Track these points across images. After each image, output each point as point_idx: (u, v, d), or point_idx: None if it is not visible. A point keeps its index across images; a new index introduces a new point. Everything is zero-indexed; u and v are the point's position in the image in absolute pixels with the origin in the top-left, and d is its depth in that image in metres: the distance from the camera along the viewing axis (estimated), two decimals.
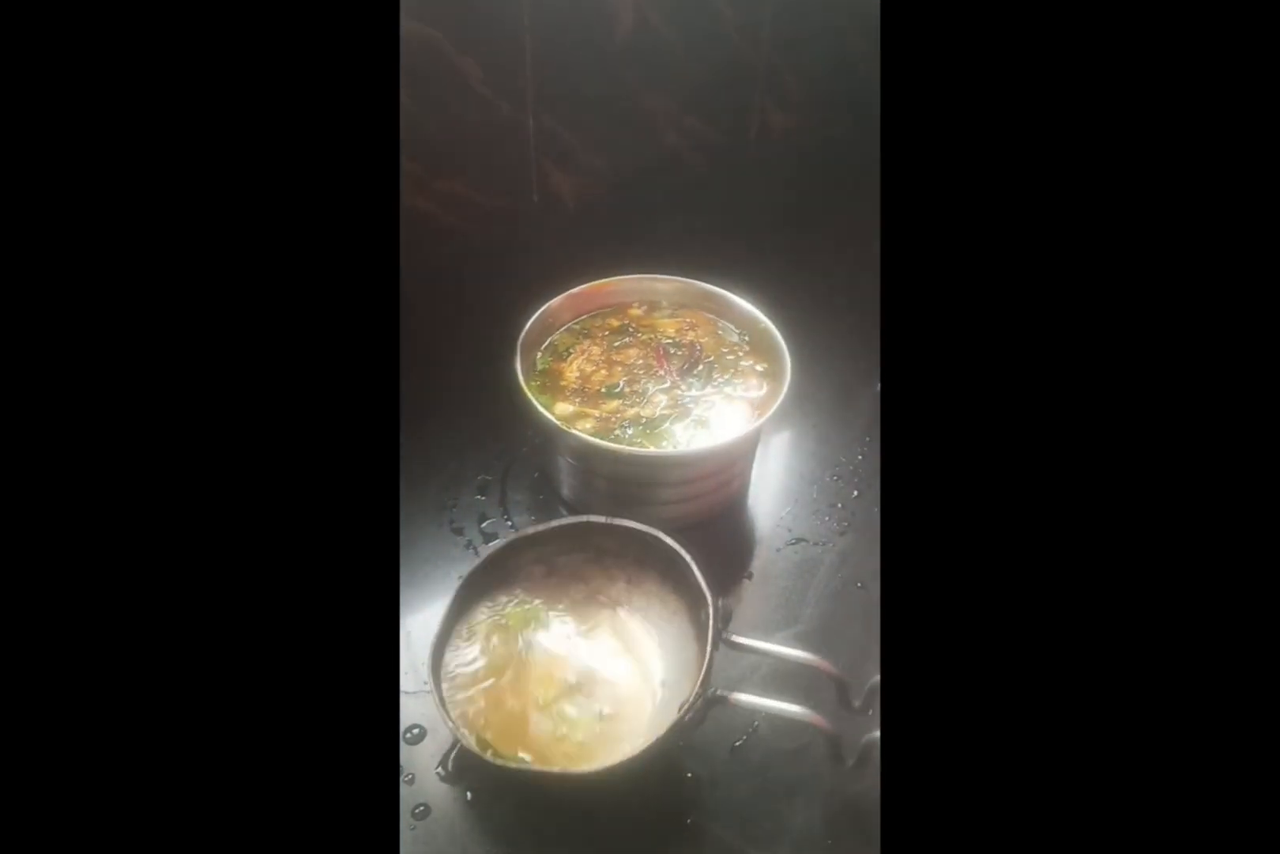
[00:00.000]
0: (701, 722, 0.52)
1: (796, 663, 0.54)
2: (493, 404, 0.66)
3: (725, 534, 0.71)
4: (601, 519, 0.59)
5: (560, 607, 0.60)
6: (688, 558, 0.57)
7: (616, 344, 0.72)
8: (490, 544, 0.66)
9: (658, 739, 0.48)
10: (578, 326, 0.74)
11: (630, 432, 0.65)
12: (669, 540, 0.58)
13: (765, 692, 0.53)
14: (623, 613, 0.60)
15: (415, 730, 0.57)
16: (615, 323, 0.74)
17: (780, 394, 0.65)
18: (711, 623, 0.53)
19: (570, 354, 0.71)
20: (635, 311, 0.75)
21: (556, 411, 0.65)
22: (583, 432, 0.63)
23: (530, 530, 0.59)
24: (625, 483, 0.67)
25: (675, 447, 0.64)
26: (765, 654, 0.55)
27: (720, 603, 0.55)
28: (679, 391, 0.68)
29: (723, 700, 0.52)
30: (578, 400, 0.67)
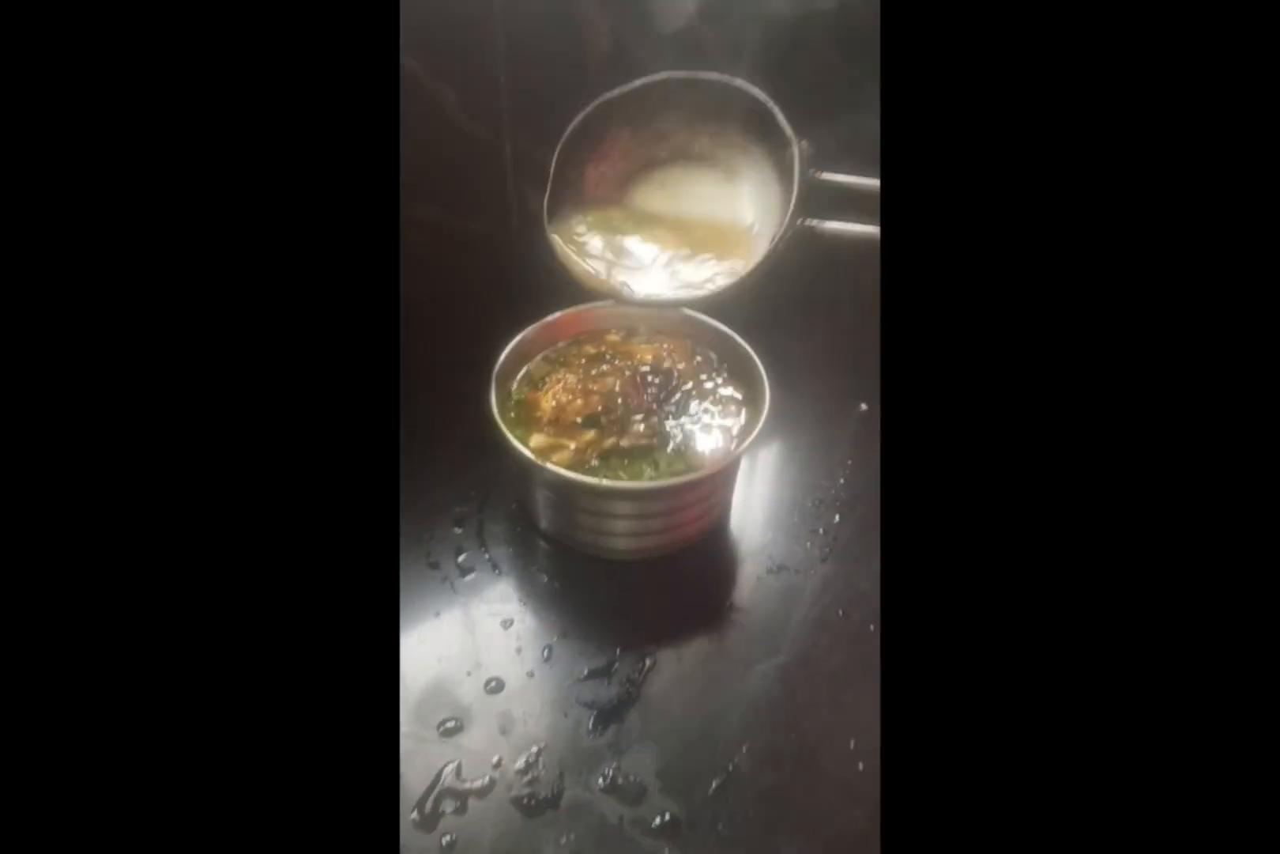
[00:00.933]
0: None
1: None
2: (469, 433, 0.66)
3: (707, 562, 0.71)
4: (682, 74, 0.63)
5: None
6: (769, 104, 0.61)
7: (593, 373, 0.71)
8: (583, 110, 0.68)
9: (757, 263, 0.61)
10: (554, 355, 0.73)
11: (609, 462, 0.64)
12: (752, 90, 0.61)
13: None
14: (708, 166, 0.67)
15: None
16: (592, 350, 0.74)
17: (759, 422, 0.65)
18: (797, 162, 0.58)
19: (546, 383, 0.70)
20: (613, 338, 0.75)
21: (532, 444, 0.65)
22: (559, 464, 0.63)
23: (613, 93, 0.64)
24: (604, 515, 0.66)
25: (654, 477, 0.63)
26: (851, 187, 0.59)
27: (804, 143, 0.59)
28: (656, 421, 0.67)
29: (811, 229, 0.58)
30: (553, 431, 0.66)
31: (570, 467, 0.63)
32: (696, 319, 0.73)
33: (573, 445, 0.65)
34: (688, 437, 0.67)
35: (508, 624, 0.65)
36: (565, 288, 0.79)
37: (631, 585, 0.69)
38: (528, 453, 0.62)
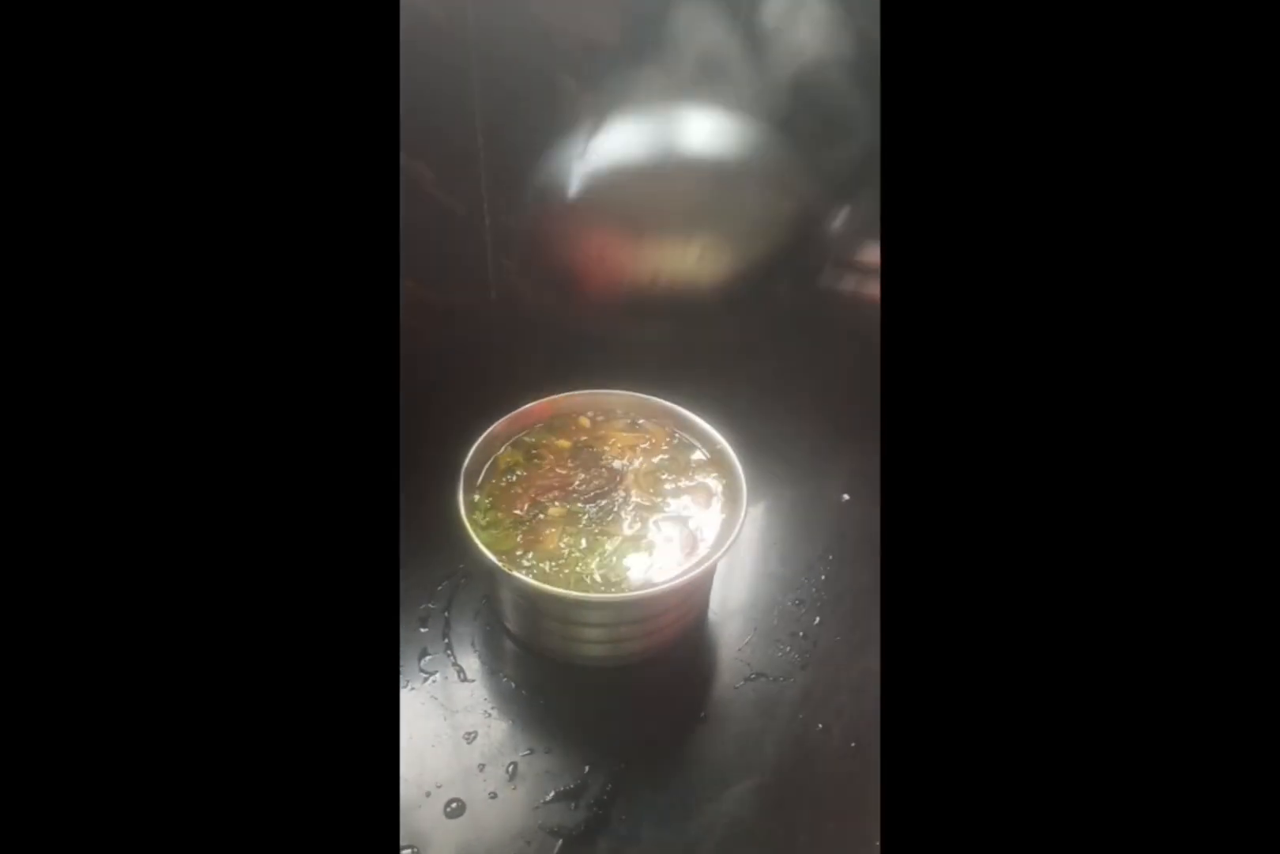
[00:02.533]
0: None
1: None
2: (436, 525, 0.63)
3: (681, 669, 0.68)
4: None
5: None
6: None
7: (566, 465, 0.68)
8: None
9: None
10: (530, 439, 0.71)
11: (582, 560, 0.62)
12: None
13: None
14: None
15: None
16: (564, 442, 0.71)
17: (738, 521, 0.62)
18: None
19: (516, 477, 0.67)
20: (584, 422, 0.72)
21: (501, 545, 0.62)
22: (531, 567, 0.60)
23: None
24: (574, 623, 0.63)
25: (628, 582, 0.60)
26: None
27: None
28: (632, 517, 0.65)
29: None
30: (524, 531, 0.64)
31: (543, 568, 0.60)
32: (674, 408, 0.71)
33: (544, 544, 0.62)
34: (664, 535, 0.64)
35: (471, 737, 0.62)
36: (546, 362, 0.77)
37: (603, 695, 0.66)
38: (494, 559, 0.59)
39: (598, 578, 0.61)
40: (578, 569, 0.61)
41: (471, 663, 0.67)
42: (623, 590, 0.60)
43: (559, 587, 0.58)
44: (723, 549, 0.61)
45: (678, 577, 0.60)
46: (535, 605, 0.63)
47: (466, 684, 0.65)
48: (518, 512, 0.65)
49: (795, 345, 0.94)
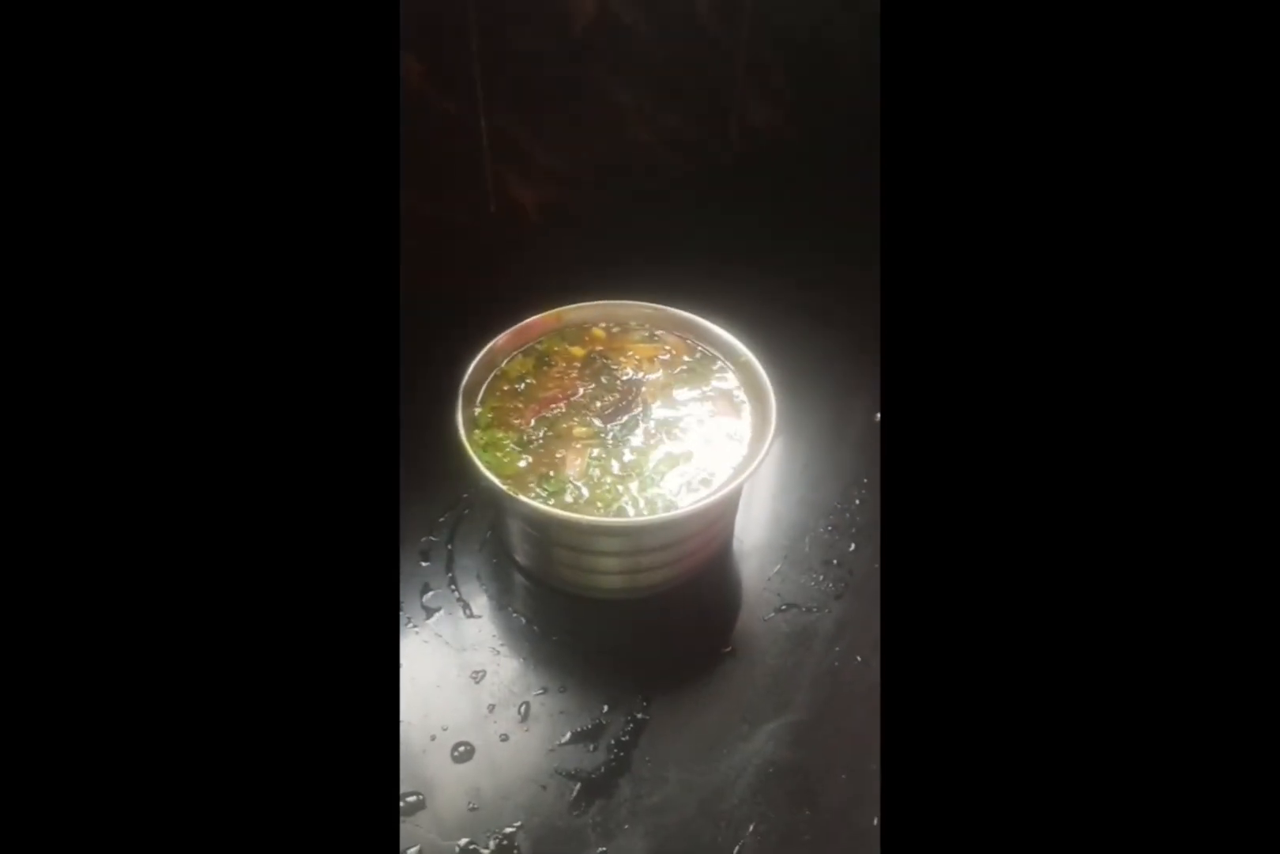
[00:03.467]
0: None
1: None
2: (437, 451, 0.57)
3: (705, 601, 0.62)
4: None
5: None
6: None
7: (577, 376, 0.62)
8: None
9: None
10: (541, 346, 0.64)
11: (598, 482, 0.56)
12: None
13: None
14: None
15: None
16: (579, 351, 0.64)
17: (767, 437, 0.56)
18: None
19: (524, 386, 0.61)
20: (599, 333, 0.66)
21: (506, 469, 0.56)
22: (540, 493, 0.54)
23: None
24: (588, 552, 0.58)
25: (647, 507, 0.55)
26: None
27: None
28: (651, 432, 0.59)
29: None
30: (533, 450, 0.58)
31: (552, 494, 0.55)
32: (694, 319, 0.64)
33: (553, 468, 0.57)
34: (686, 453, 0.58)
35: (479, 677, 0.57)
36: (548, 282, 0.70)
37: (620, 629, 0.60)
38: (499, 483, 0.53)
39: (636, 502, 0.55)
40: (605, 493, 0.55)
41: (478, 598, 0.61)
42: (646, 514, 0.54)
43: (586, 512, 0.53)
44: (750, 469, 0.55)
45: (703, 499, 0.54)
46: (544, 532, 0.57)
47: (473, 620, 0.60)
48: (518, 424, 0.58)
49: (820, 255, 0.87)
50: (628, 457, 0.57)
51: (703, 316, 0.64)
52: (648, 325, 0.66)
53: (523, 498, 0.53)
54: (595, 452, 0.58)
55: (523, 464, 0.57)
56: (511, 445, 0.58)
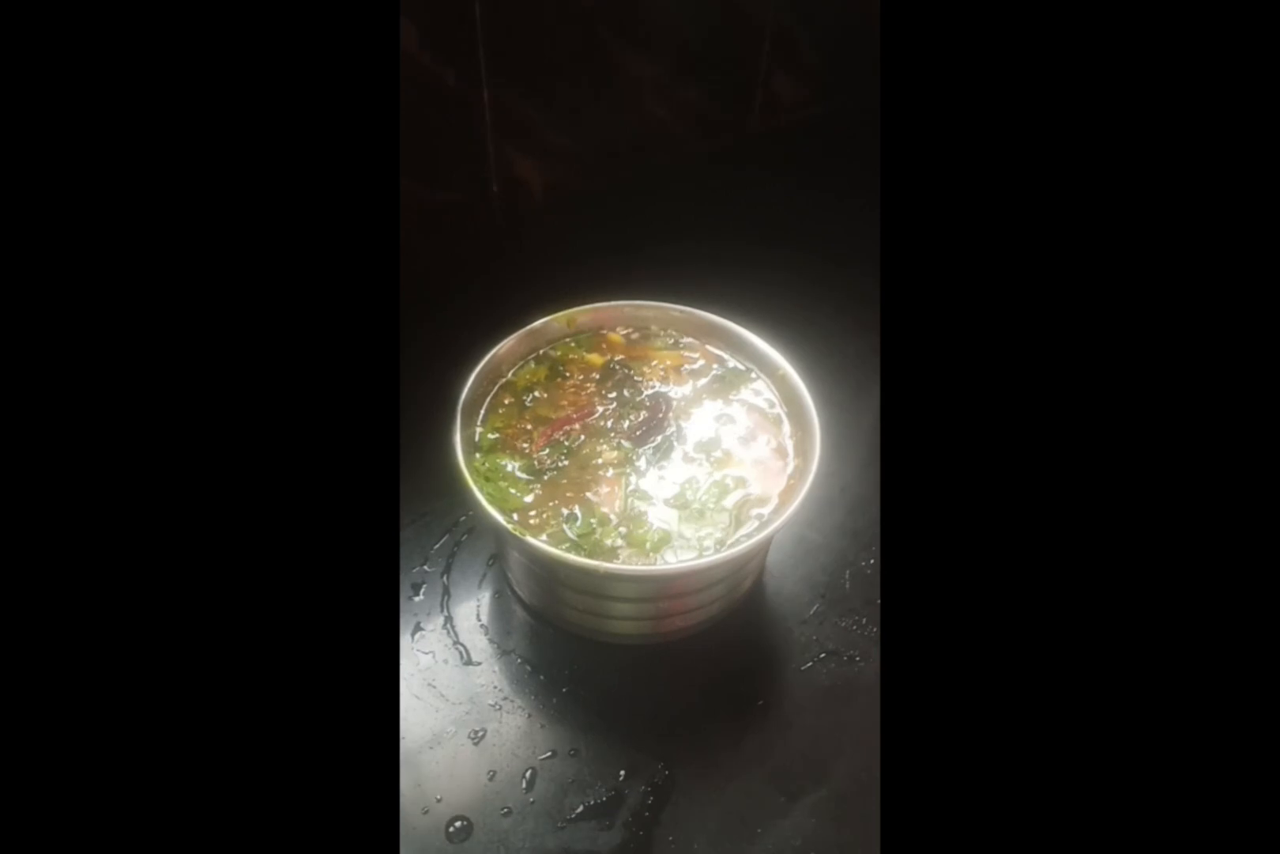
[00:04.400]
0: None
1: None
2: (431, 466, 0.49)
3: (731, 648, 0.55)
4: None
5: None
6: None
7: (597, 390, 0.55)
8: None
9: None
10: (556, 352, 0.56)
11: (636, 521, 0.48)
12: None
13: None
14: None
15: None
16: (596, 359, 0.57)
17: (811, 465, 0.49)
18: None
19: (530, 406, 0.54)
20: (617, 339, 0.58)
21: (511, 502, 0.49)
22: (566, 532, 0.47)
23: None
24: (602, 596, 0.50)
25: (673, 550, 0.47)
26: None
27: None
28: (686, 458, 0.51)
29: None
30: (544, 482, 0.50)
31: (581, 531, 0.47)
32: (725, 324, 0.56)
33: (578, 503, 0.49)
34: (738, 478, 0.50)
35: (478, 737, 0.50)
36: (556, 275, 0.63)
37: (639, 680, 0.53)
38: (502, 521, 0.46)
39: (688, 544, 0.47)
40: (645, 534, 0.48)
41: (477, 640, 0.54)
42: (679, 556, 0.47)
43: (612, 552, 0.46)
44: (796, 500, 0.47)
45: (755, 534, 0.46)
46: (554, 576, 0.50)
47: (471, 668, 0.53)
48: (526, 449, 0.51)
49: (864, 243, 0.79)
50: (666, 487, 0.50)
51: (731, 318, 0.56)
52: (671, 330, 0.58)
53: (531, 540, 0.45)
54: (631, 479, 0.50)
55: (529, 498, 0.49)
56: (519, 474, 0.50)
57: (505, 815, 0.47)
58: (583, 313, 0.57)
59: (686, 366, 0.56)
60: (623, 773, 0.49)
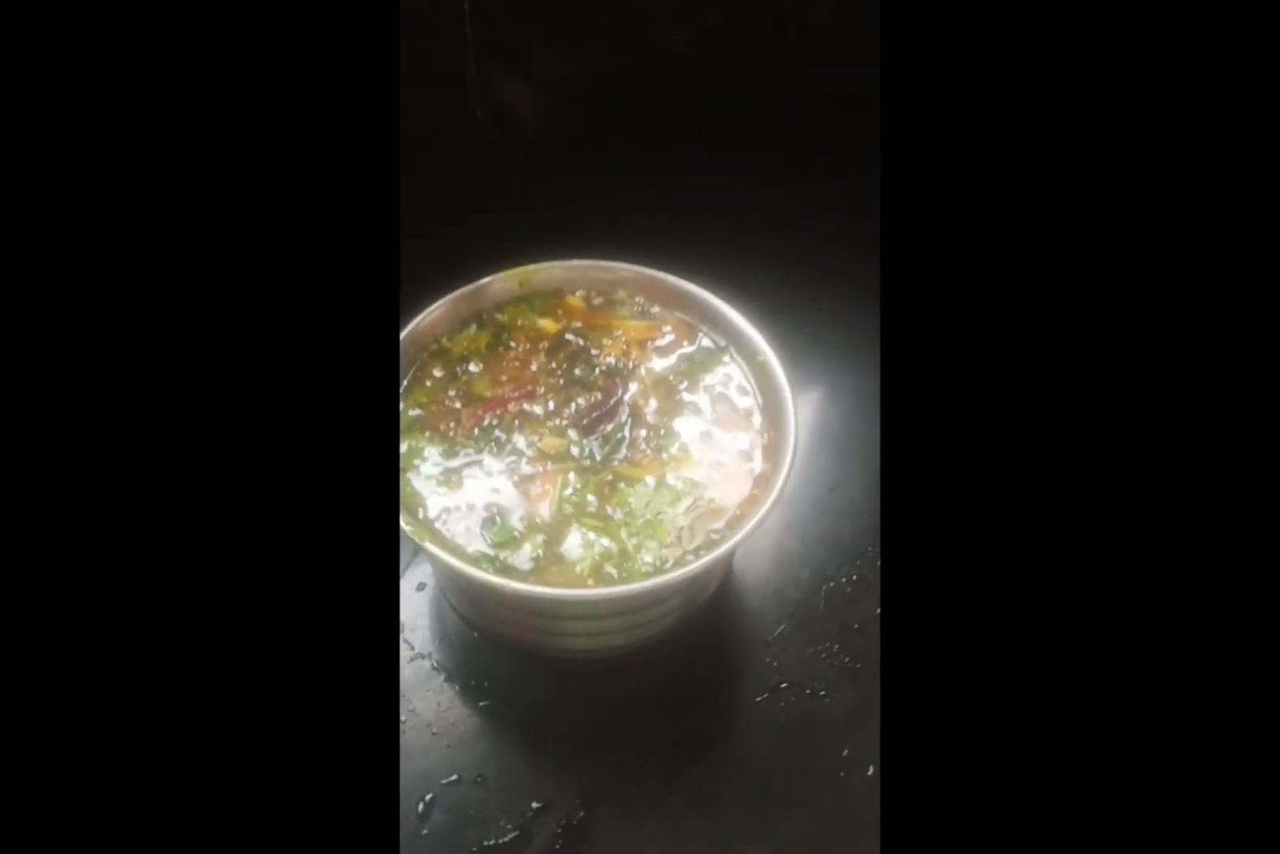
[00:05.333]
0: None
1: None
2: None
3: (680, 668, 0.48)
4: None
5: None
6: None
7: (545, 364, 0.47)
8: None
9: None
10: (502, 316, 0.49)
11: (563, 527, 0.41)
12: None
13: None
14: None
15: None
16: (550, 324, 0.49)
17: (784, 462, 0.41)
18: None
19: (463, 379, 0.46)
20: (575, 303, 0.50)
21: (418, 496, 0.42)
22: (483, 542, 0.40)
23: None
24: (524, 612, 0.44)
25: (635, 567, 0.40)
26: None
27: None
28: (637, 445, 0.44)
29: None
30: (457, 471, 0.43)
31: (499, 539, 0.41)
32: (702, 294, 0.48)
33: (496, 504, 0.42)
34: (690, 483, 0.43)
35: None
36: (544, 219, 0.54)
37: (565, 698, 0.47)
38: (406, 527, 0.39)
39: (627, 559, 0.40)
40: (582, 552, 0.40)
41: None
42: (628, 577, 0.40)
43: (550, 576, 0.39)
44: (766, 505, 0.40)
45: (703, 559, 0.39)
46: (480, 595, 0.43)
47: None
48: (450, 430, 0.44)
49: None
50: (609, 489, 0.42)
51: (715, 288, 0.48)
52: (640, 297, 0.50)
53: (442, 555, 0.38)
54: (571, 479, 0.43)
55: (443, 491, 0.42)
56: (436, 460, 0.43)
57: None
58: (539, 271, 0.49)
59: (652, 342, 0.48)
60: (534, 807, 0.43)
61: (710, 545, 0.40)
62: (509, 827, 0.42)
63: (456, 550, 0.40)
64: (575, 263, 0.49)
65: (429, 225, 0.62)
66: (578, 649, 0.47)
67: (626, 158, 0.70)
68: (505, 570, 0.39)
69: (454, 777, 0.44)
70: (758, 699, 0.46)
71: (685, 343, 0.48)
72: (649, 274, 0.49)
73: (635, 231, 0.50)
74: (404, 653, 0.47)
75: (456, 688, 0.46)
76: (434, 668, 0.47)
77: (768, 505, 0.40)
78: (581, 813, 0.42)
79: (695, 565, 0.38)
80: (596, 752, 0.45)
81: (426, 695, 0.46)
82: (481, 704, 0.46)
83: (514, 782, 0.44)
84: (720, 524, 0.41)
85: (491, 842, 0.42)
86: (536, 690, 0.47)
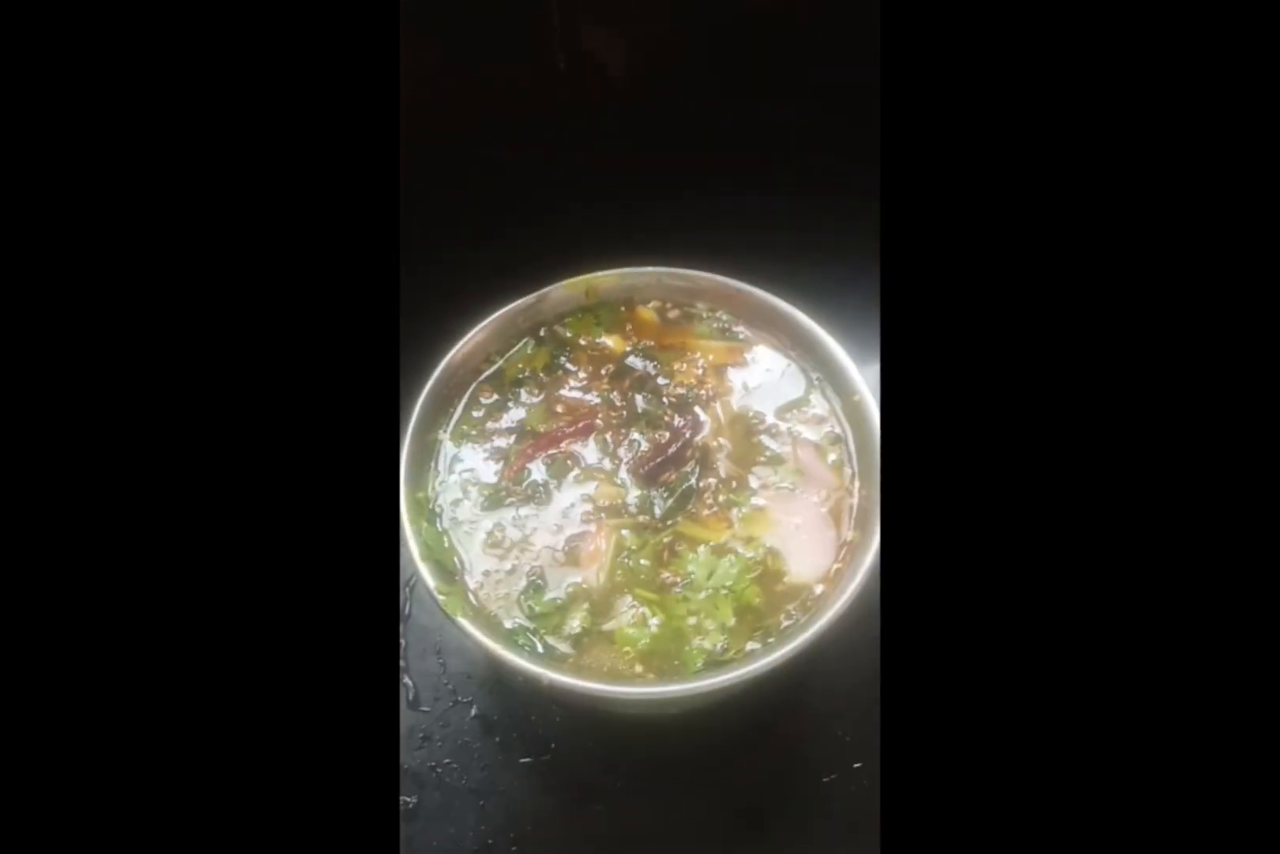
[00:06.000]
0: None
1: None
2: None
3: (737, 746, 0.43)
4: None
5: None
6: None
7: (606, 390, 0.41)
8: None
9: None
10: (565, 331, 0.43)
11: (616, 601, 0.36)
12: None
13: None
14: None
15: None
16: (617, 344, 0.43)
17: (871, 545, 0.35)
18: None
19: (516, 407, 0.41)
20: (647, 316, 0.43)
21: (451, 551, 0.37)
22: (520, 615, 0.36)
23: None
24: None
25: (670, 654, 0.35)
26: None
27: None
28: (704, 506, 0.38)
29: None
30: (499, 517, 0.38)
31: (541, 609, 0.36)
32: (798, 317, 0.41)
33: (539, 570, 0.37)
34: (773, 552, 0.37)
35: (404, 810, 0.41)
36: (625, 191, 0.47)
37: (616, 760, 0.43)
38: (431, 585, 0.34)
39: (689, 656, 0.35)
40: (633, 633, 0.35)
41: (429, 679, 0.44)
42: (681, 666, 0.35)
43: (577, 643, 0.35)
44: (836, 605, 0.34)
45: (768, 656, 0.33)
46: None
47: (414, 714, 0.43)
48: (494, 469, 0.39)
49: None
50: (670, 554, 0.37)
51: (812, 306, 0.41)
52: (722, 312, 0.43)
53: (464, 624, 0.34)
54: (625, 537, 0.37)
55: (479, 545, 0.37)
56: (477, 513, 0.38)
57: None
58: (606, 279, 0.42)
59: (733, 368, 0.42)
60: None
61: (782, 635, 0.35)
62: None
63: (492, 624, 0.35)
64: (648, 269, 0.43)
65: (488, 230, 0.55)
66: (630, 715, 0.42)
67: (727, 114, 0.61)
68: (543, 654, 0.35)
69: (489, 841, 0.40)
70: (825, 780, 0.41)
71: (771, 372, 0.41)
72: (734, 285, 0.42)
73: (719, 236, 0.43)
74: (446, 699, 0.44)
75: (497, 739, 0.43)
76: (476, 716, 0.43)
77: (854, 586, 0.34)
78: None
79: (760, 664, 0.33)
80: (638, 830, 0.41)
81: (465, 747, 0.43)
82: (522, 761, 0.42)
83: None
84: (802, 603, 0.36)
85: None
86: (593, 745, 0.43)
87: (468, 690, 0.44)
